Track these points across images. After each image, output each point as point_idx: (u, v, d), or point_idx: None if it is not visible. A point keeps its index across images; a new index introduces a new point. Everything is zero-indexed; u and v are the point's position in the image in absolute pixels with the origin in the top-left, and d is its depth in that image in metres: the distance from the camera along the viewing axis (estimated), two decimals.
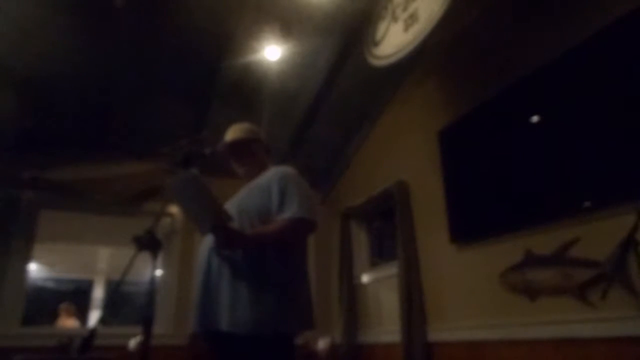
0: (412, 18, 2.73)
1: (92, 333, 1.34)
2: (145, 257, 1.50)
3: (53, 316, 5.69)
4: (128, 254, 1.50)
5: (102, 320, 5.09)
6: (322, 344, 3.88)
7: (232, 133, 1.96)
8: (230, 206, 1.82)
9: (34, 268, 6.21)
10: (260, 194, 1.77)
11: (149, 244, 1.47)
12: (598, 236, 2.08)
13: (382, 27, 3.09)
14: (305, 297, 1.73)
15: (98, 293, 7.04)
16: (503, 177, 2.62)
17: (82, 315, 6.25)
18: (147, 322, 1.43)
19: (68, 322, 5.48)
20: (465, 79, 3.09)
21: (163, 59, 3.33)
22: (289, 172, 1.82)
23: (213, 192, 1.55)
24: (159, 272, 3.91)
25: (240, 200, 1.83)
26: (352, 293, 3.92)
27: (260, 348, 1.56)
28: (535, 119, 2.50)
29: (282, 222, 1.66)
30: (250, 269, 1.62)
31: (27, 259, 3.63)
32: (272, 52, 3.36)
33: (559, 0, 2.47)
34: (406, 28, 2.78)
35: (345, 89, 3.79)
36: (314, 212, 1.73)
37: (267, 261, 1.63)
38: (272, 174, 1.81)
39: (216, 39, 3.23)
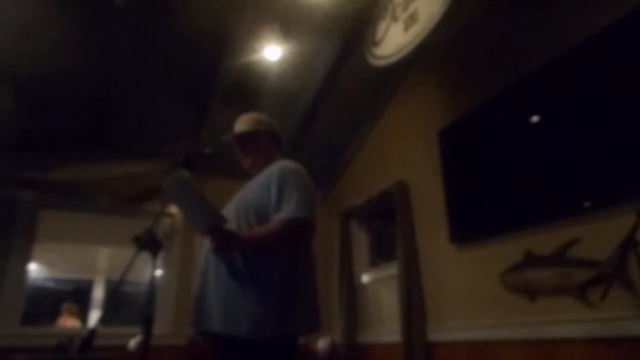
0: (412, 18, 2.73)
1: (92, 333, 1.34)
2: (145, 257, 1.50)
3: (53, 316, 5.69)
4: (128, 254, 1.50)
5: (102, 320, 5.10)
6: (322, 344, 3.88)
7: (239, 124, 1.90)
8: (233, 202, 1.79)
9: (34, 268, 6.21)
10: (259, 190, 1.71)
11: (149, 244, 1.47)
12: (598, 236, 2.08)
13: (382, 27, 3.09)
14: (309, 297, 1.66)
15: (98, 293, 7.03)
16: (503, 177, 2.62)
17: (82, 315, 6.25)
18: (147, 322, 1.43)
19: (69, 322, 5.48)
20: (465, 79, 3.09)
21: (163, 58, 3.33)
22: (291, 167, 1.74)
23: (204, 193, 1.51)
24: (159, 272, 3.91)
25: (241, 196, 1.79)
26: (352, 293, 3.92)
27: (258, 352, 1.51)
28: (535, 118, 2.50)
29: (278, 223, 1.59)
30: (248, 270, 1.57)
31: (27, 259, 3.62)
32: (272, 52, 3.36)
33: (559, 0, 2.47)
34: (406, 28, 2.78)
35: (345, 89, 3.79)
36: (312, 212, 1.65)
37: (266, 261, 1.58)
38: (274, 170, 1.73)
39: (216, 39, 3.23)
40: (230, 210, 1.75)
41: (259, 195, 1.70)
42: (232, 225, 1.64)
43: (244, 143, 1.89)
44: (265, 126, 1.92)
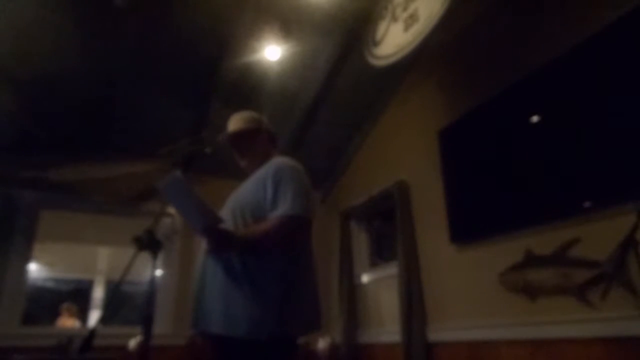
0: (412, 18, 2.73)
1: (92, 333, 1.33)
2: (145, 257, 1.49)
3: (53, 316, 5.69)
4: (128, 254, 1.49)
5: (102, 320, 5.10)
6: (322, 344, 3.87)
7: (234, 123, 1.89)
8: (229, 201, 1.79)
9: (34, 268, 6.22)
10: (255, 188, 1.69)
11: (149, 244, 1.47)
12: (598, 236, 2.08)
13: (382, 27, 3.10)
14: (309, 296, 1.64)
15: (98, 293, 7.03)
16: (503, 177, 2.62)
17: (82, 315, 6.26)
18: (147, 322, 1.43)
19: (68, 322, 5.48)
20: (465, 79, 3.09)
21: (163, 58, 3.33)
22: (287, 164, 1.72)
23: (203, 193, 1.51)
24: (159, 272, 3.91)
25: (237, 195, 1.78)
26: (352, 293, 3.92)
27: (257, 352, 1.50)
28: (535, 118, 2.50)
29: (273, 221, 1.57)
30: (245, 269, 1.55)
31: (27, 259, 3.62)
32: (272, 52, 3.36)
33: (559, 1, 2.47)
34: (406, 28, 2.78)
35: (345, 89, 3.79)
36: (308, 208, 1.63)
37: (264, 260, 1.56)
38: (269, 167, 1.72)
39: (216, 38, 3.23)
40: (226, 210, 1.74)
41: (254, 193, 1.68)
42: (228, 224, 1.63)
43: (238, 142, 1.88)
44: (257, 124, 1.91)
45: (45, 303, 6.79)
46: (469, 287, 2.80)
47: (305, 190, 1.66)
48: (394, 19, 2.95)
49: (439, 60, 3.35)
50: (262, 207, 1.64)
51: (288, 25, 3.25)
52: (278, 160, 1.76)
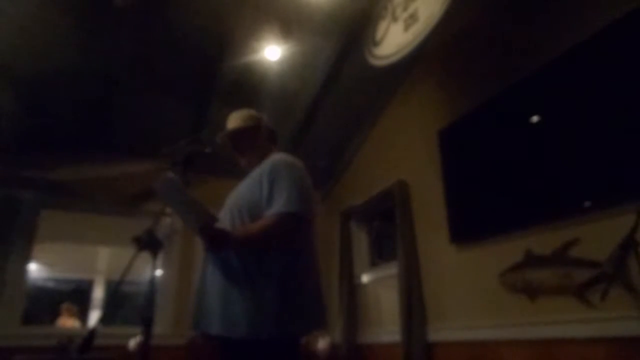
0: (412, 18, 2.73)
1: (92, 333, 1.33)
2: (145, 257, 1.50)
3: (53, 316, 5.70)
4: (128, 254, 1.49)
5: (102, 320, 5.10)
6: (322, 344, 3.88)
7: (232, 122, 1.88)
8: (228, 201, 1.78)
9: (34, 268, 6.22)
10: (252, 186, 1.67)
11: (149, 244, 1.47)
12: (598, 236, 2.08)
13: (382, 27, 3.10)
14: (310, 295, 1.61)
15: (98, 293, 7.04)
16: (503, 177, 2.62)
17: (82, 315, 6.26)
18: (147, 322, 1.43)
19: (68, 322, 5.49)
20: (465, 78, 3.09)
21: (163, 58, 3.33)
22: (283, 160, 1.70)
23: (197, 193, 1.51)
24: (159, 272, 3.91)
25: (234, 195, 1.77)
26: (352, 293, 3.92)
27: (258, 352, 1.49)
28: (535, 118, 2.50)
29: (269, 219, 1.55)
30: (243, 269, 1.54)
31: (27, 259, 3.62)
32: (272, 52, 3.36)
33: (559, 0, 2.47)
34: (406, 28, 2.78)
35: (346, 88, 3.79)
36: (306, 205, 1.59)
37: (262, 259, 1.54)
38: (266, 164, 1.69)
39: (216, 38, 3.23)
40: (225, 209, 1.74)
41: (251, 192, 1.67)
42: (226, 224, 1.62)
43: (237, 140, 1.86)
44: (256, 122, 1.89)
45: (45, 303, 6.79)
46: (469, 287, 2.80)
47: (302, 187, 1.63)
48: (394, 18, 2.96)
49: (439, 60, 3.35)
50: (259, 206, 1.62)
51: (288, 25, 3.25)
52: (275, 158, 1.74)
